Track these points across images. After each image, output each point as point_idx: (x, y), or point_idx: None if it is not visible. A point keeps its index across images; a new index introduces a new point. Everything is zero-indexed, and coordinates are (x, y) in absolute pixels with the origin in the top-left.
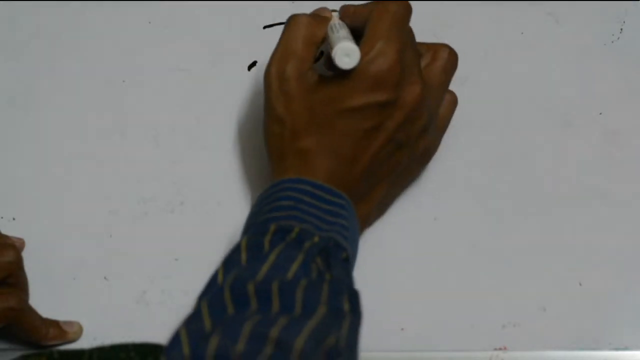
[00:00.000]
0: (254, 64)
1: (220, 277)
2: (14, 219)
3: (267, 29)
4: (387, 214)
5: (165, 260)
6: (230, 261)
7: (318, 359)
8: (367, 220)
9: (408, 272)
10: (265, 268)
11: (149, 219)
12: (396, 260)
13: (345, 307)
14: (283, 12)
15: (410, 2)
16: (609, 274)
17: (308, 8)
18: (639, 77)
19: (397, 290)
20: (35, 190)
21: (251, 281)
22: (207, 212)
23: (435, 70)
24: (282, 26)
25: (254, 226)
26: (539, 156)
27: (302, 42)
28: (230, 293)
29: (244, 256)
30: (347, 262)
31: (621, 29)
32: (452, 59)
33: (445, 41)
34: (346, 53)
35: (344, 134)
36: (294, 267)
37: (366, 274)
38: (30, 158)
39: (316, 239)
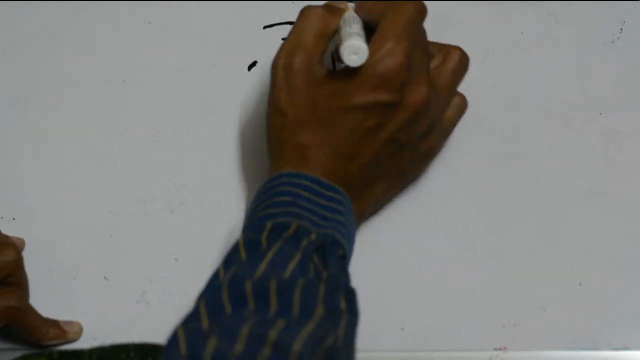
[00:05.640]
0: (254, 64)
1: (220, 276)
2: (14, 219)
3: (267, 29)
4: (388, 214)
5: (165, 260)
6: (229, 260)
7: None
8: (362, 217)
9: (408, 272)
10: (263, 266)
11: (149, 219)
12: (396, 260)
13: (342, 306)
14: (283, 12)
15: None
16: (609, 274)
17: None
18: (639, 77)
19: (397, 290)
20: (35, 190)
21: (249, 280)
22: (207, 212)
23: (445, 72)
24: (283, 26)
25: (252, 224)
26: (539, 156)
27: (313, 34)
28: (228, 292)
29: (242, 255)
30: (344, 259)
31: (621, 29)
32: (462, 61)
33: (445, 41)
34: (354, 51)
35: (345, 131)
36: (291, 266)
37: (366, 273)
38: (30, 158)
39: (313, 236)
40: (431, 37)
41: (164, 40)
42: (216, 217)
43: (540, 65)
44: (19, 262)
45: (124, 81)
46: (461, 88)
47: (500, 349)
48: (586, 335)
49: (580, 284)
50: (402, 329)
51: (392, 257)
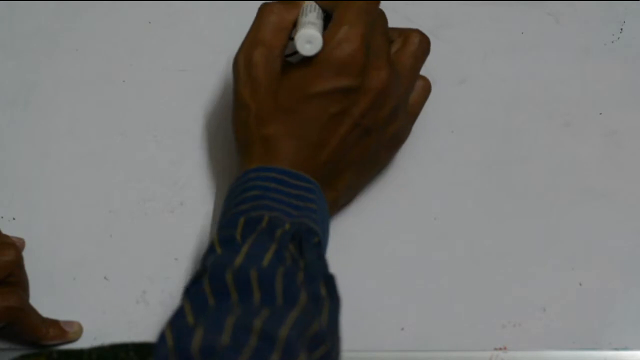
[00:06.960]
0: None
1: (199, 273)
2: (14, 219)
3: None
4: (387, 214)
5: (165, 260)
6: (206, 258)
7: (302, 346)
8: (336, 206)
9: (408, 271)
10: (240, 259)
11: (149, 219)
12: (396, 260)
13: (323, 292)
14: None
15: (411, 2)
16: (609, 274)
17: None
18: (639, 77)
19: (397, 290)
20: (35, 190)
21: (229, 272)
22: (207, 212)
23: (406, 55)
24: None
25: (224, 222)
26: (539, 156)
27: (271, 29)
28: (210, 285)
29: (218, 251)
30: (320, 246)
31: (621, 29)
32: (423, 44)
33: (445, 41)
34: (308, 40)
35: (309, 119)
36: (268, 256)
37: (366, 273)
38: (30, 158)
39: (287, 226)
40: (431, 37)
41: (164, 40)
42: (216, 217)
43: (540, 65)
44: (19, 262)
45: (124, 81)
46: (461, 87)
47: (500, 349)
48: (586, 335)
49: (580, 284)
50: (402, 329)
51: (392, 257)
